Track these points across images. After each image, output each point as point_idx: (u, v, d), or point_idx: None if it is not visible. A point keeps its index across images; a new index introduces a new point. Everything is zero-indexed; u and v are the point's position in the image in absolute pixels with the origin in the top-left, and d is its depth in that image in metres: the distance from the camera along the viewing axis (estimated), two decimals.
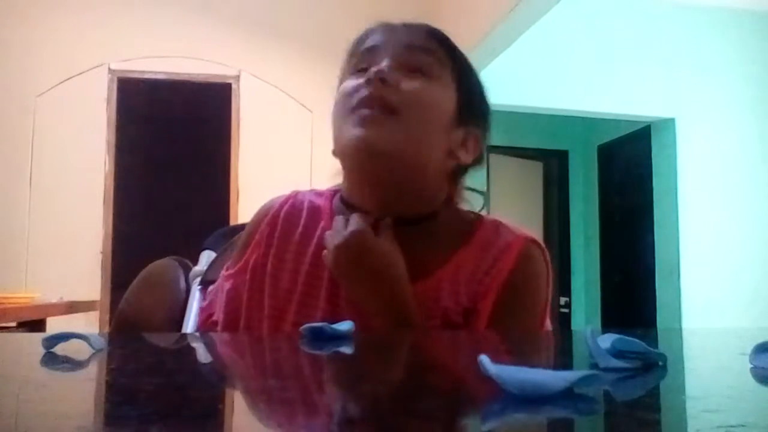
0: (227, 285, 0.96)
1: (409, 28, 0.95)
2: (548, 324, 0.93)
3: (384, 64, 0.89)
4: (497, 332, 0.86)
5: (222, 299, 0.96)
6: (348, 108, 0.88)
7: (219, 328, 0.95)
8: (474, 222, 0.96)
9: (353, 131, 0.87)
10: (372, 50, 0.93)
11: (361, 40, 0.96)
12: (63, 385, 0.49)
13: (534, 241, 0.93)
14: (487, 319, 0.87)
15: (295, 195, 1.01)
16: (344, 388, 0.49)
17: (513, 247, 0.90)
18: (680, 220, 5.21)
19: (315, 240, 0.93)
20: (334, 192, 1.00)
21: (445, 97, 0.92)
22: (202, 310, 1.02)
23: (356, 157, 0.89)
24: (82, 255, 4.52)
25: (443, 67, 0.93)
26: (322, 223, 0.95)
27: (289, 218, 0.97)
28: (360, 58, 0.94)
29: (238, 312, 0.94)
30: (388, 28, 0.95)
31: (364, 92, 0.87)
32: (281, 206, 0.98)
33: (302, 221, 0.96)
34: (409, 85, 0.88)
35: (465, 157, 0.95)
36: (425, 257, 0.90)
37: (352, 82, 0.91)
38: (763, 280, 5.13)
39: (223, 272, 1.00)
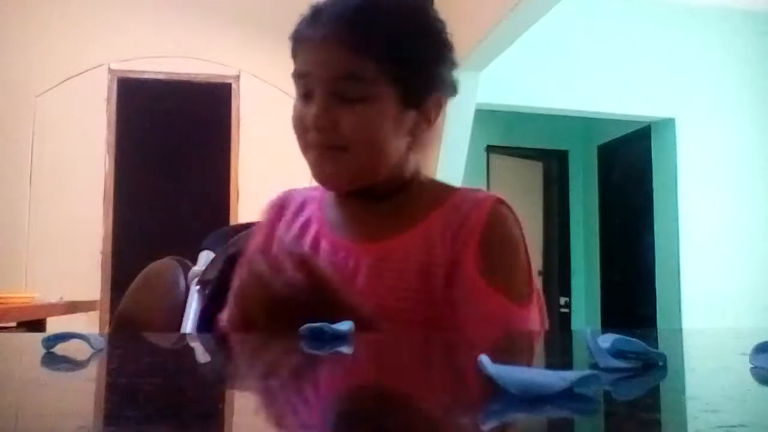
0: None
1: (335, 38, 0.90)
2: (537, 285, 0.95)
3: (317, 106, 0.90)
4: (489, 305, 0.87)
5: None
6: (303, 142, 0.94)
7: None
8: (450, 189, 1.00)
9: (315, 168, 0.94)
10: (305, 77, 0.93)
11: (300, 32, 0.96)
12: (63, 385, 0.49)
13: (503, 201, 0.96)
14: (473, 273, 0.90)
15: (290, 190, 1.09)
16: (344, 388, 0.49)
17: (484, 203, 0.94)
18: (680, 220, 5.21)
19: (304, 215, 1.01)
20: None
21: (385, 112, 0.92)
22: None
23: (325, 186, 0.98)
24: (82, 255, 4.52)
25: (376, 80, 0.90)
26: (312, 205, 1.02)
27: (283, 204, 1.05)
28: (298, 75, 0.94)
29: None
30: (318, 45, 0.92)
31: (313, 134, 0.91)
32: (280, 199, 1.06)
33: (295, 206, 1.04)
34: (348, 121, 0.90)
35: (426, 127, 0.97)
36: (397, 221, 0.95)
37: (299, 110, 0.94)
38: (763, 280, 5.13)
39: None
